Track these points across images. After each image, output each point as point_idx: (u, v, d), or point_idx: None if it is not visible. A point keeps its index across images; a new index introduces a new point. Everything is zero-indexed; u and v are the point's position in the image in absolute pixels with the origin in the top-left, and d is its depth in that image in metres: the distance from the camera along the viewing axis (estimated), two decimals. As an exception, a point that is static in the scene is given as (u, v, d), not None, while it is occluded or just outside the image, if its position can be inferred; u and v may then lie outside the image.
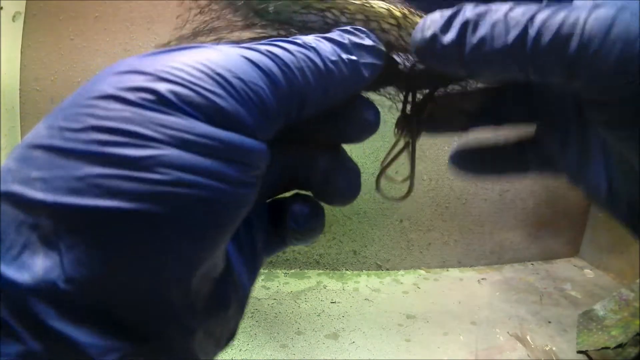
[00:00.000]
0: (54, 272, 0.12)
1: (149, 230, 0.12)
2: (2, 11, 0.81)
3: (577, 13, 0.16)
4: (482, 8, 0.17)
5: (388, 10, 0.18)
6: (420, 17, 0.19)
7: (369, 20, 0.18)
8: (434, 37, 0.17)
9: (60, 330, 0.12)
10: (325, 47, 0.16)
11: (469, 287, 0.87)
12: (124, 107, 0.13)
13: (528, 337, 0.70)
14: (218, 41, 0.19)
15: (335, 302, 0.81)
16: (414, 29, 0.18)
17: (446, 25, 0.17)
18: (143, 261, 0.12)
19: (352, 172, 0.19)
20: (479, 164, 0.23)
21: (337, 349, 0.67)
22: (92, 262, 0.12)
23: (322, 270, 0.94)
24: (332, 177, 0.18)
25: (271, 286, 0.87)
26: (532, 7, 0.17)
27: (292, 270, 0.94)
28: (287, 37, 0.17)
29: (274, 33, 0.19)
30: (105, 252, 0.12)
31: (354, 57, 0.17)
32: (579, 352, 0.66)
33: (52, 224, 0.12)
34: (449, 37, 0.17)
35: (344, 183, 0.19)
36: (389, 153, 0.21)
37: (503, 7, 0.17)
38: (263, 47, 0.15)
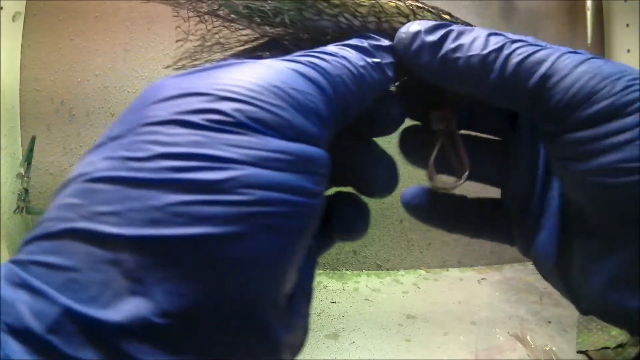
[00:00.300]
0: (146, 308, 0.11)
1: (238, 252, 0.12)
2: (2, 11, 0.81)
3: (553, 49, 0.17)
4: (467, 27, 0.18)
5: (397, 8, 0.19)
6: (430, 11, 0.19)
7: (380, 21, 0.19)
8: (418, 34, 0.18)
9: None
10: (352, 54, 0.17)
11: (469, 287, 0.87)
12: (190, 130, 0.13)
13: (528, 337, 0.70)
14: (233, 53, 0.19)
15: (335, 302, 0.81)
16: None
17: (432, 29, 0.18)
18: (235, 283, 0.12)
19: (389, 164, 0.19)
20: (431, 211, 0.23)
21: (337, 349, 0.67)
22: (186, 292, 0.11)
23: (322, 270, 0.94)
24: (371, 171, 0.19)
25: (271, 286, 0.86)
26: (513, 38, 0.18)
27: (292, 270, 0.93)
28: (303, 44, 0.17)
29: (290, 40, 0.19)
30: (199, 280, 0.12)
31: (377, 60, 0.17)
32: (579, 352, 0.66)
33: (136, 258, 0.11)
34: (431, 37, 0.18)
35: (384, 175, 0.19)
36: (435, 147, 0.21)
37: (487, 31, 0.18)
38: (302, 59, 0.15)
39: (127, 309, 0.11)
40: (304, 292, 0.16)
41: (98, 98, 0.90)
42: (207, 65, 0.16)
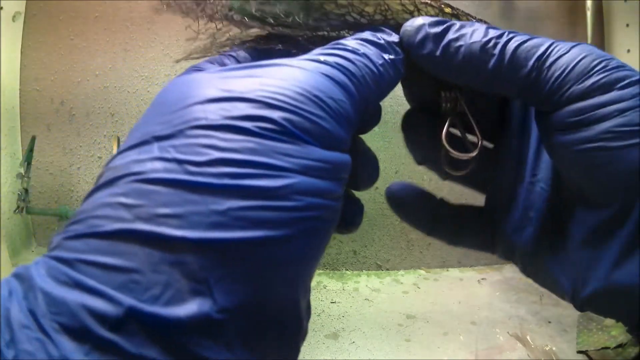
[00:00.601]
0: (206, 306, 0.12)
1: (287, 253, 0.13)
2: (2, 11, 0.81)
3: (547, 38, 0.18)
4: (468, 22, 0.19)
5: (401, 5, 0.19)
6: (432, 6, 0.20)
7: (387, 19, 0.19)
8: (422, 26, 0.18)
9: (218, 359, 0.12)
10: (372, 52, 0.17)
11: (469, 287, 0.87)
12: (245, 137, 0.13)
13: (528, 337, 0.70)
14: (244, 42, 0.20)
15: (335, 302, 0.81)
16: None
17: (436, 23, 0.19)
18: (283, 281, 0.13)
19: (373, 160, 0.20)
20: (411, 208, 0.23)
21: (337, 349, 0.67)
22: (243, 290, 0.12)
23: (322, 270, 0.94)
24: (357, 166, 0.19)
25: (271, 286, 0.86)
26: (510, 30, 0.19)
27: (292, 270, 0.93)
28: (314, 39, 0.18)
29: (295, 35, 0.19)
30: (254, 279, 0.13)
31: (393, 57, 0.18)
32: (579, 352, 0.66)
33: (199, 259, 0.12)
34: (434, 29, 0.18)
35: (369, 170, 0.20)
36: (446, 122, 0.21)
37: (486, 25, 0.19)
38: (331, 60, 0.16)
39: (191, 307, 0.12)
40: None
41: (98, 98, 0.90)
42: (241, 63, 0.17)
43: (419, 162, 0.23)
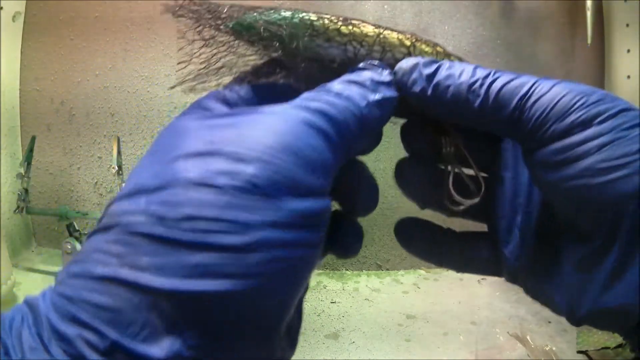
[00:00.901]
0: (177, 344, 0.13)
1: (254, 300, 0.14)
2: (2, 11, 0.81)
3: (532, 77, 0.19)
4: (457, 62, 0.20)
5: (399, 39, 0.20)
6: (427, 44, 0.21)
7: (384, 50, 0.20)
8: (416, 66, 0.19)
9: None
10: (355, 94, 0.18)
11: (469, 287, 0.87)
12: (217, 192, 0.14)
13: (528, 337, 0.70)
14: (235, 74, 0.20)
15: (335, 302, 0.81)
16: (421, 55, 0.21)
17: (429, 62, 0.19)
18: (249, 324, 0.14)
19: (374, 188, 0.21)
20: (420, 243, 0.24)
21: (337, 349, 0.67)
22: (212, 332, 0.14)
23: (322, 270, 0.94)
24: (358, 192, 0.20)
25: (271, 286, 0.86)
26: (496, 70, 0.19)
27: (292, 270, 0.94)
28: (311, 70, 0.19)
29: (296, 65, 0.20)
30: (224, 323, 0.14)
31: (378, 97, 0.18)
32: (579, 352, 0.66)
33: (172, 304, 0.14)
34: (427, 69, 0.19)
35: (367, 197, 0.20)
36: (452, 169, 0.22)
37: (474, 65, 0.19)
38: (312, 105, 0.17)
39: (164, 345, 0.13)
40: (297, 310, 0.18)
41: (98, 98, 0.90)
42: (243, 99, 0.19)
43: (422, 207, 0.24)
